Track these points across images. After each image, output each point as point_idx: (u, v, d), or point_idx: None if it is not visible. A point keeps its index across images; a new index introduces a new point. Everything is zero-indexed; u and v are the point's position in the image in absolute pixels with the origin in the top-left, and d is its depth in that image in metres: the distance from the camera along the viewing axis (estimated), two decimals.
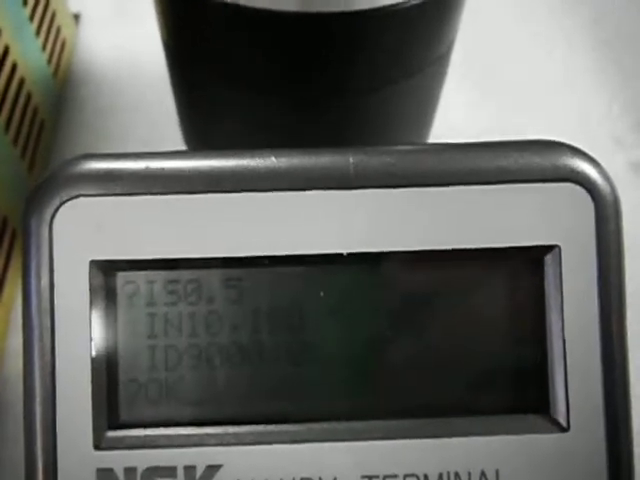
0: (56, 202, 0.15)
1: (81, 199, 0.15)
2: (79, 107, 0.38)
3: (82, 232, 0.15)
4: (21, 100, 0.32)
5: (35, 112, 0.34)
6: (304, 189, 0.15)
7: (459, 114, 0.38)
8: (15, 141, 0.31)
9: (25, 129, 0.32)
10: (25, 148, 0.32)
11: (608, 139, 0.39)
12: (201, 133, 0.29)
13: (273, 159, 0.15)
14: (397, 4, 0.20)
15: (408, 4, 0.20)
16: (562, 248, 0.15)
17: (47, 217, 0.15)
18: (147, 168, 0.15)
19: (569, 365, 0.15)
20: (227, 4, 0.20)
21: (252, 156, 0.15)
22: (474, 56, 0.41)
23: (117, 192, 0.15)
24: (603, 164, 0.36)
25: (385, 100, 0.24)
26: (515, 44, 0.43)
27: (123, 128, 0.37)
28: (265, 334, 0.15)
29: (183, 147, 0.32)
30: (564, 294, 0.15)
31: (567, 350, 0.15)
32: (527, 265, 0.16)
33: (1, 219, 0.29)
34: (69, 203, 0.15)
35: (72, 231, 0.15)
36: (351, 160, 0.15)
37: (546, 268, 0.15)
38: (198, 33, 0.23)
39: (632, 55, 0.42)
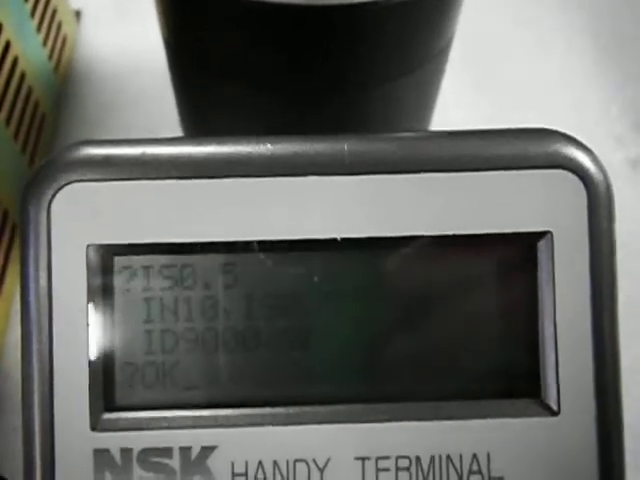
0: (54, 187, 0.15)
1: (78, 184, 0.15)
2: (80, 102, 0.38)
3: (79, 217, 0.15)
4: (22, 95, 0.32)
5: (36, 107, 0.34)
6: (299, 175, 0.15)
7: (457, 114, 0.38)
8: (16, 136, 0.31)
9: (26, 124, 0.33)
10: (26, 143, 0.32)
11: (607, 138, 0.39)
12: (201, 128, 0.29)
13: (268, 145, 0.16)
14: None
15: None
16: (554, 234, 0.15)
17: (45, 202, 0.15)
18: (143, 154, 0.15)
19: (560, 350, 0.15)
20: None
21: (247, 142, 0.16)
22: (473, 56, 0.41)
23: (114, 177, 0.15)
24: (601, 160, 0.37)
25: (385, 95, 0.24)
26: (514, 44, 0.43)
27: (124, 123, 0.37)
28: (259, 318, 0.16)
29: None
30: (556, 280, 0.15)
31: (558, 335, 0.15)
32: (520, 251, 0.16)
33: (1, 213, 0.29)
34: (66, 188, 0.15)
35: (69, 216, 0.15)
36: (346, 147, 0.16)
37: (539, 254, 0.16)
38: (198, 27, 0.23)
39: (631, 56, 0.43)
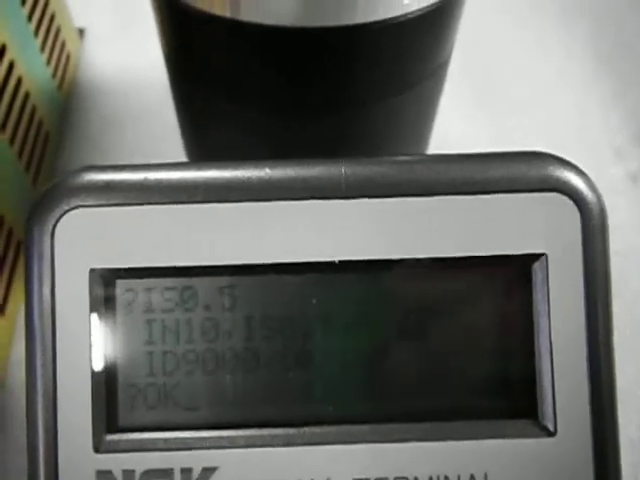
0: (58, 212, 0.15)
1: (82, 209, 0.15)
2: (83, 119, 0.39)
3: (83, 241, 0.15)
4: (26, 114, 0.33)
5: (40, 125, 0.34)
6: (297, 199, 0.16)
7: (457, 129, 0.38)
8: (20, 155, 0.31)
9: (30, 142, 0.33)
10: (30, 161, 0.33)
11: (607, 150, 0.39)
12: (202, 145, 0.29)
13: (267, 170, 0.16)
14: (395, 17, 0.20)
15: (405, 17, 0.21)
16: (549, 256, 0.16)
17: (49, 227, 0.15)
18: (145, 179, 0.16)
19: (556, 371, 0.16)
20: (227, 19, 0.20)
21: (247, 167, 0.16)
22: (472, 69, 0.41)
23: (116, 202, 0.15)
24: (602, 175, 0.37)
25: (384, 111, 0.25)
26: (513, 56, 0.43)
27: (127, 140, 0.38)
28: (259, 340, 0.16)
29: (185, 158, 0.32)
30: (551, 301, 0.16)
31: (554, 356, 0.16)
32: (515, 273, 0.16)
33: (6, 231, 0.29)
34: (70, 213, 0.15)
35: (73, 240, 0.15)
36: (343, 170, 0.16)
37: (534, 276, 0.16)
38: (199, 48, 0.23)
39: (631, 67, 0.43)
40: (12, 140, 0.30)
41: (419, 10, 0.21)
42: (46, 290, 0.15)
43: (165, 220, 0.16)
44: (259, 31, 0.20)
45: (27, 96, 0.33)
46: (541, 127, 0.39)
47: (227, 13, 0.20)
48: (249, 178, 0.16)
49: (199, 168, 0.16)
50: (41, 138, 0.35)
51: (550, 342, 0.16)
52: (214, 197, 0.16)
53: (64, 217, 0.15)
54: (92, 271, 0.15)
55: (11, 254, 0.30)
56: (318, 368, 0.16)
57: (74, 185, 0.16)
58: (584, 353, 0.16)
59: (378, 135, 0.26)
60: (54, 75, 0.37)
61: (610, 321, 0.16)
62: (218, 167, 0.16)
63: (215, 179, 0.16)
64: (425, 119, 0.29)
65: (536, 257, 0.16)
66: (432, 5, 0.21)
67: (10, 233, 0.30)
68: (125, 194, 0.15)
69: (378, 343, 0.16)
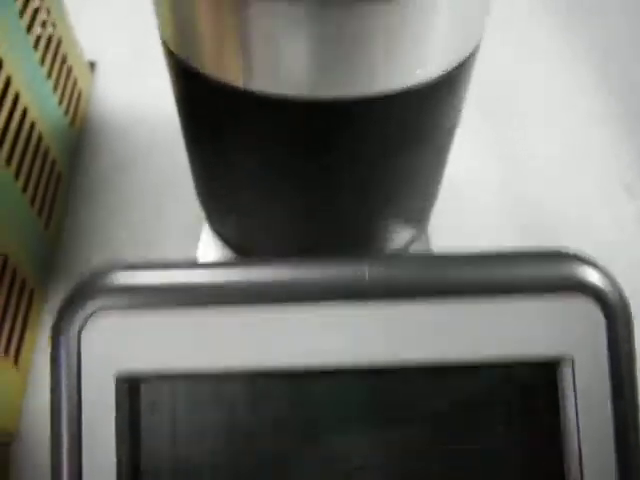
0: (84, 315, 0.15)
1: (108, 312, 0.15)
2: (94, 156, 0.39)
3: (108, 344, 0.15)
4: (39, 157, 0.32)
5: (53, 167, 0.34)
6: (319, 301, 0.16)
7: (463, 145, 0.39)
8: (32, 201, 0.31)
9: (42, 187, 0.33)
10: (42, 206, 0.33)
11: (618, 187, 0.39)
12: (210, 185, 0.29)
13: (287, 271, 0.16)
14: (407, 87, 0.20)
15: (418, 86, 0.21)
16: (575, 359, 0.16)
17: (75, 330, 0.15)
18: (171, 283, 0.16)
19: (585, 474, 0.15)
20: (241, 91, 0.20)
21: (269, 268, 0.16)
22: (482, 104, 0.41)
23: (141, 306, 0.15)
24: (613, 215, 0.36)
25: (395, 170, 0.25)
26: (522, 92, 0.43)
27: (137, 176, 0.38)
28: (281, 443, 0.16)
29: (194, 195, 0.32)
30: (578, 404, 0.16)
31: (583, 460, 0.15)
32: (541, 376, 0.16)
33: (20, 280, 0.29)
34: (96, 316, 0.15)
35: (99, 343, 0.15)
36: (366, 272, 0.16)
37: (560, 379, 0.16)
38: (210, 113, 0.23)
39: None
40: (25, 188, 0.30)
41: (429, 80, 0.21)
42: (72, 392, 0.15)
43: (189, 323, 0.15)
44: (271, 102, 0.20)
45: (40, 139, 0.33)
46: (553, 168, 0.39)
47: (240, 83, 0.20)
48: (272, 281, 0.16)
49: (221, 270, 0.16)
50: (53, 179, 0.35)
51: (579, 446, 0.15)
52: (237, 300, 0.16)
53: (90, 320, 0.15)
54: (118, 373, 0.15)
55: (24, 304, 0.30)
56: (341, 472, 0.16)
57: (100, 287, 0.16)
58: (612, 457, 0.15)
59: (389, 184, 0.26)
60: (66, 113, 0.37)
61: (638, 421, 0.16)
62: (242, 269, 0.16)
63: (238, 283, 0.16)
64: (436, 171, 0.29)
65: (562, 360, 0.16)
66: (441, 75, 0.21)
67: (23, 283, 0.30)
68: (150, 298, 0.15)
69: (403, 448, 0.16)
